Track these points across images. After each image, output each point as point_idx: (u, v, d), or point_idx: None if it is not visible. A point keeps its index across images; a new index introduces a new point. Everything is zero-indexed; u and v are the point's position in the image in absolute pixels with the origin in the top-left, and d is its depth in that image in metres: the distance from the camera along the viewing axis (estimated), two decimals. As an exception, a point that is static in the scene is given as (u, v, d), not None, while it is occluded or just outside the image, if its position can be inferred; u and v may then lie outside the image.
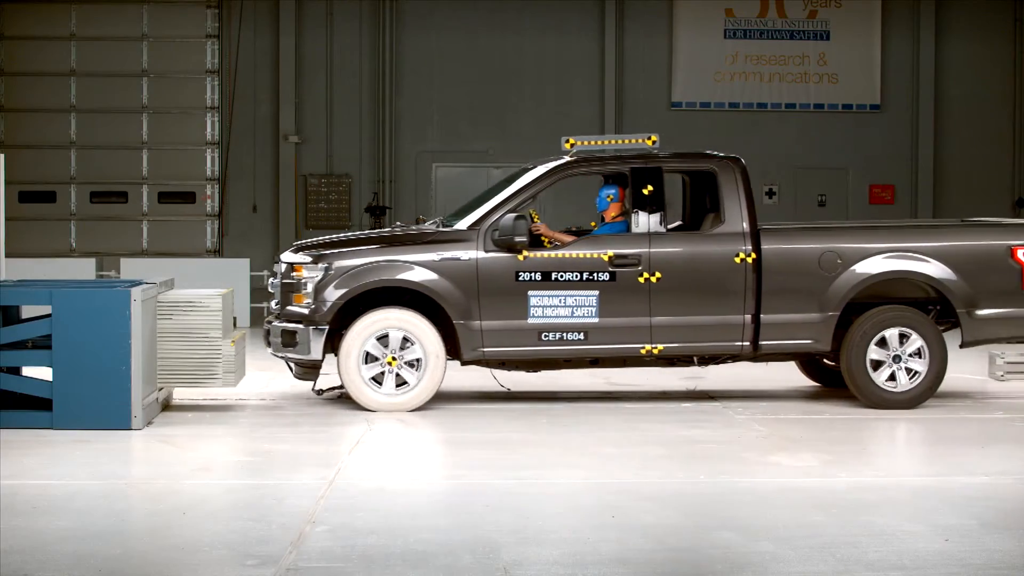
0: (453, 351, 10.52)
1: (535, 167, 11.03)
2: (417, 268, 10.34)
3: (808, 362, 11.88)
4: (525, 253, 10.36)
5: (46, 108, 22.99)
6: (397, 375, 10.33)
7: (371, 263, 10.38)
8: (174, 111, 23.17)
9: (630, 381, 12.22)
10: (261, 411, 10.49)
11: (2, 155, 12.65)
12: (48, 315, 9.46)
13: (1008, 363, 12.58)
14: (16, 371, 9.84)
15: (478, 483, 7.77)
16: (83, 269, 18.65)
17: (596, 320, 10.41)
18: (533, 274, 10.38)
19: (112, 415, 9.36)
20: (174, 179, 23.24)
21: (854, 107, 23.81)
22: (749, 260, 10.53)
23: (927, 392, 10.64)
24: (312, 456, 8.99)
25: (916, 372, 10.60)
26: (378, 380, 10.33)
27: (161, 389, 10.16)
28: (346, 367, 10.29)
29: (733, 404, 10.86)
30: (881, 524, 6.72)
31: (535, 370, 10.93)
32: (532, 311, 10.38)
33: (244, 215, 23.17)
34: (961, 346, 10.94)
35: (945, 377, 10.70)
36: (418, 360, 10.31)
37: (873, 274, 10.65)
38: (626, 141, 11.01)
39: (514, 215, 10.33)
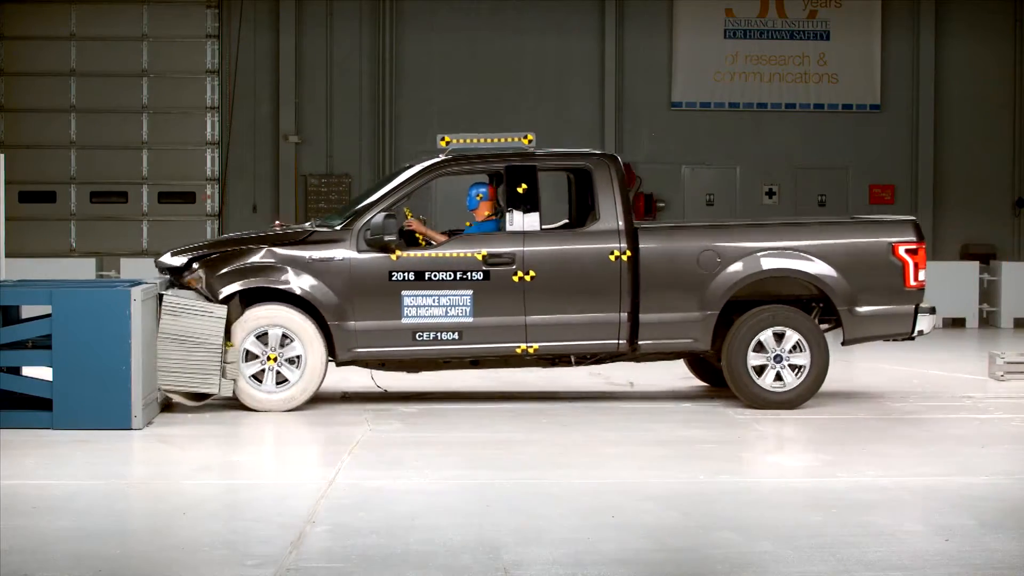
0: (331, 351, 10.53)
1: (411, 166, 11.04)
2: (291, 270, 10.35)
3: (696, 362, 11.88)
4: (398, 253, 10.38)
5: (46, 108, 22.97)
6: (278, 373, 10.36)
7: (246, 265, 10.38)
8: (174, 111, 23.15)
9: (630, 381, 12.22)
10: (261, 411, 10.48)
11: (2, 155, 12.65)
12: (48, 315, 9.46)
13: (1008, 363, 12.60)
14: (16, 371, 9.84)
15: (478, 483, 7.77)
16: (83, 269, 18.67)
17: (470, 320, 10.41)
18: (406, 274, 10.38)
19: (112, 415, 9.36)
20: (174, 179, 23.22)
21: (854, 107, 23.79)
22: (624, 258, 10.51)
23: (808, 392, 10.62)
24: (312, 456, 8.99)
25: (798, 372, 10.58)
26: (258, 378, 10.37)
27: (160, 389, 10.16)
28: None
29: (733, 404, 10.86)
30: (881, 524, 6.72)
31: (415, 370, 10.92)
32: (406, 311, 10.39)
33: (244, 215, 23.14)
34: (843, 344, 10.93)
35: (826, 378, 10.69)
36: (298, 357, 10.33)
37: (752, 273, 10.61)
38: (502, 139, 11.01)
39: (384, 214, 10.33)
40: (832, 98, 23.72)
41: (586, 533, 6.50)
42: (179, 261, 10.54)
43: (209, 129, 23.19)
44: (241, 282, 10.33)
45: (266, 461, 8.84)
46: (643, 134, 23.42)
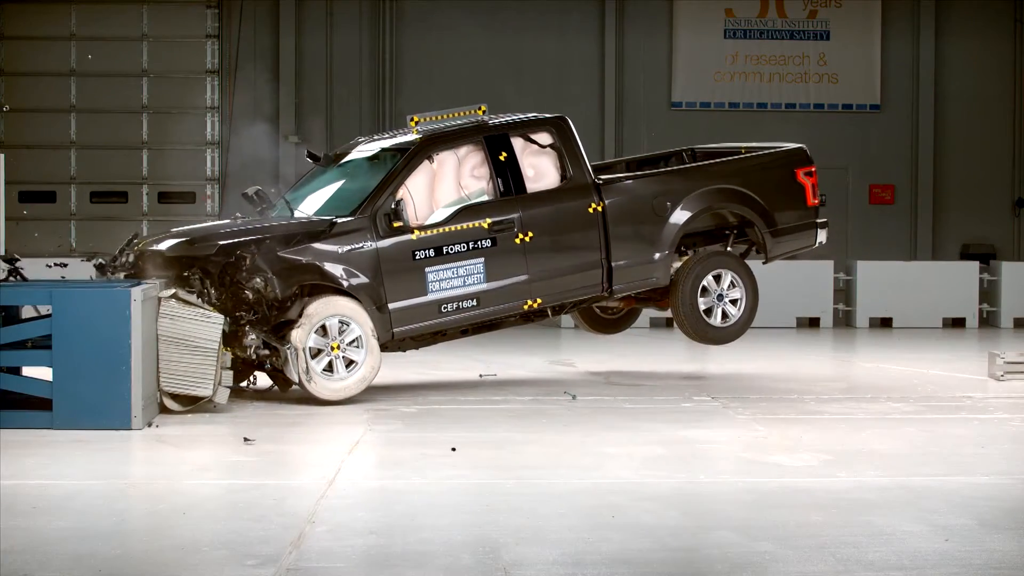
0: None
1: (374, 141, 11.79)
2: (328, 264, 10.68)
3: (586, 315, 13.13)
4: (417, 232, 10.84)
5: (46, 108, 22.98)
6: (344, 357, 10.72)
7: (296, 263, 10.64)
8: (174, 111, 23.15)
9: (630, 381, 12.22)
10: (261, 411, 10.49)
11: (2, 155, 12.66)
12: (48, 315, 9.46)
13: (1008, 363, 12.61)
14: (16, 371, 9.84)
15: (478, 483, 7.77)
16: (83, 269, 18.65)
17: (485, 285, 11.06)
18: (427, 251, 10.89)
19: (112, 415, 9.36)
20: (174, 179, 23.22)
21: (854, 107, 23.79)
22: (599, 208, 11.37)
23: (745, 325, 12.00)
24: (312, 456, 8.99)
25: (738, 304, 11.93)
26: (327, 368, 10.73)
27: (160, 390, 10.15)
28: (296, 360, 10.55)
29: (733, 404, 10.86)
30: (881, 524, 6.72)
31: (432, 343, 11.45)
32: (430, 286, 10.92)
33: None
34: (764, 263, 12.43)
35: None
36: (357, 338, 10.71)
37: (697, 212, 11.82)
38: (461, 114, 11.54)
39: (394, 199, 10.78)
40: (832, 98, 23.72)
41: (586, 533, 6.50)
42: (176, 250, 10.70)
43: (209, 129, 23.19)
44: (292, 280, 10.59)
45: (266, 461, 8.84)
46: (643, 134, 23.42)
